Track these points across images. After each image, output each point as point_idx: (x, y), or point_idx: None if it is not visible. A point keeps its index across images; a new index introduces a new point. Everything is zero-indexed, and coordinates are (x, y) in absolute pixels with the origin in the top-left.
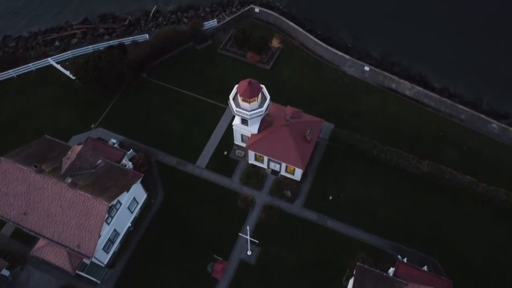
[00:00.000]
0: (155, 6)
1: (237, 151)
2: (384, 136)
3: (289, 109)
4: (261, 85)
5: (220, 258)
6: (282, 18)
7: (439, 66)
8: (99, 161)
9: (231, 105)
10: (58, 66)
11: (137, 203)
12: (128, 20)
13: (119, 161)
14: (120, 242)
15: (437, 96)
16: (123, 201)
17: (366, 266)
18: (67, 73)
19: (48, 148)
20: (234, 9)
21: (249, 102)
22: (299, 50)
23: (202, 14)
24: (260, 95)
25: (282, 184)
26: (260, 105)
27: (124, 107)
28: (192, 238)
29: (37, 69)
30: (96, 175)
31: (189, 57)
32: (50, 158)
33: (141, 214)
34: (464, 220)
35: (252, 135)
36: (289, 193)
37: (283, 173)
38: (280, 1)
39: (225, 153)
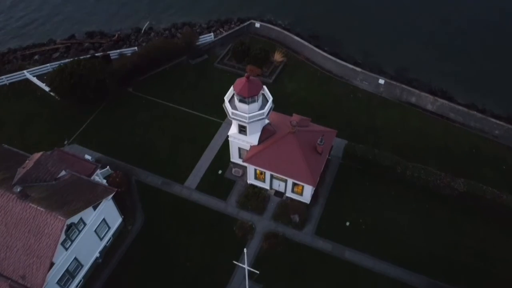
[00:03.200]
0: (148, 22)
1: (233, 170)
2: (407, 152)
3: (295, 117)
4: (263, 86)
5: None
6: (285, 32)
7: (461, 82)
8: (63, 172)
9: (226, 108)
10: (34, 79)
11: (109, 227)
12: (117, 35)
13: (90, 176)
14: (84, 277)
15: (465, 109)
16: (88, 221)
17: None
18: (43, 85)
19: (4, 159)
20: (233, 25)
21: (248, 103)
22: (304, 65)
23: (198, 30)
24: (260, 95)
25: (288, 208)
26: (261, 108)
27: (104, 122)
28: (177, 273)
29: (10, 83)
30: (56, 188)
31: (181, 71)
32: (2, 168)
33: (114, 242)
34: None
35: (252, 147)
36: (296, 218)
37: (289, 194)
38: (282, 19)
39: (220, 172)
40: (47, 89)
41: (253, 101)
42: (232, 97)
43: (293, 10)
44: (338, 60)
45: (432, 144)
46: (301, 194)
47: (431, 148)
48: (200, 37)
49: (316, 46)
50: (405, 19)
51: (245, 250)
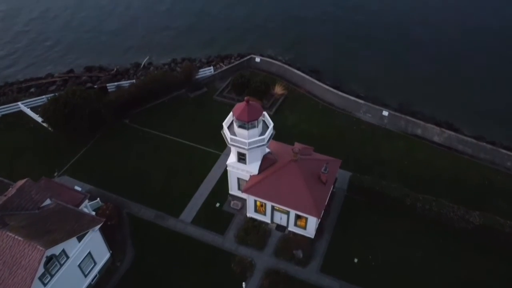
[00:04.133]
0: (147, 57)
1: (232, 203)
2: (416, 184)
3: (297, 145)
4: (263, 111)
5: None
6: (286, 66)
7: (466, 114)
8: (48, 201)
9: (225, 134)
10: (27, 110)
11: (95, 263)
12: (115, 69)
13: (77, 206)
14: None
15: (474, 141)
16: (72, 254)
17: None
18: (36, 117)
19: None
20: (233, 60)
21: (248, 128)
22: (305, 98)
23: (198, 65)
24: (261, 121)
25: (290, 243)
26: (261, 134)
27: (97, 153)
28: None
29: (3, 115)
30: (38, 217)
31: (180, 104)
32: None
33: (100, 280)
34: None
35: (252, 176)
36: (300, 254)
37: (291, 228)
38: (282, 55)
39: (217, 205)
40: (40, 120)
41: (253, 127)
42: (231, 124)
43: (293, 46)
44: (340, 93)
45: (441, 176)
46: (304, 227)
47: (441, 180)
48: (200, 70)
49: (317, 80)
50: (406, 54)
51: (243, 284)
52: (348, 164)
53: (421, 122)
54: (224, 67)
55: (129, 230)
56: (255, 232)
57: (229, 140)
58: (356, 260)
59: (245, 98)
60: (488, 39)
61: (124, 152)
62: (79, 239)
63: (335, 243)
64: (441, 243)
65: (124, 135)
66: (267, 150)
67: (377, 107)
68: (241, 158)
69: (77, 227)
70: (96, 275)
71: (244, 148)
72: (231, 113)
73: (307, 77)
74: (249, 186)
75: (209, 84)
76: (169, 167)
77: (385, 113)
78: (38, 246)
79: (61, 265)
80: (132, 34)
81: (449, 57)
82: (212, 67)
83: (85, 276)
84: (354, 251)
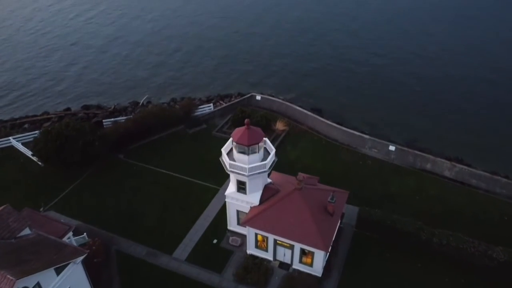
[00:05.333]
0: (146, 96)
1: (231, 239)
2: (430, 221)
3: (302, 175)
4: (265, 136)
5: None
6: (287, 103)
7: (476, 150)
8: (27, 231)
9: (223, 160)
10: (18, 145)
11: None
12: (113, 107)
13: (60, 238)
14: None
15: (488, 175)
16: None
17: None
18: (27, 151)
19: None
20: (233, 98)
21: (248, 154)
22: (308, 134)
23: (197, 103)
24: (262, 147)
25: (295, 282)
26: (263, 159)
27: (88, 188)
28: None
29: None
30: (15, 246)
31: (178, 140)
32: None
33: None
34: None
35: (252, 208)
36: None
37: (296, 265)
38: (283, 95)
39: (215, 241)
40: (30, 153)
41: (254, 152)
42: (231, 150)
43: (294, 86)
44: (344, 128)
45: (456, 212)
46: (311, 265)
47: (456, 216)
48: (199, 107)
49: (320, 116)
50: (409, 91)
51: None
52: (356, 200)
53: (431, 156)
54: (224, 105)
55: (117, 268)
56: (256, 270)
57: (228, 166)
58: None
59: (245, 120)
60: (497, 73)
61: (117, 187)
62: (58, 272)
63: (345, 283)
64: (464, 283)
65: (117, 170)
66: (269, 180)
67: (383, 141)
68: (241, 187)
69: (56, 258)
70: None
71: (244, 174)
72: (230, 139)
73: (309, 113)
74: (249, 218)
75: (209, 121)
76: (164, 203)
77: (392, 148)
78: (8, 276)
79: None
80: (132, 74)
81: (450, 93)
82: (211, 104)
83: None
84: None
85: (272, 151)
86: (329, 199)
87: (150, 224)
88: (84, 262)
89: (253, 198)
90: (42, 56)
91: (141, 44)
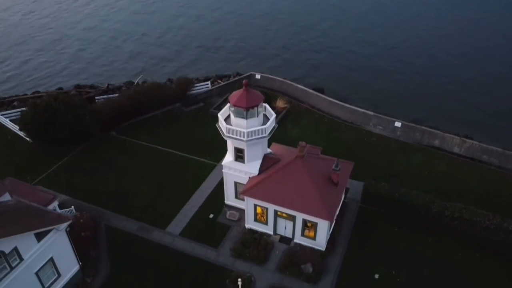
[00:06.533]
0: (141, 76)
1: (228, 213)
2: (440, 197)
3: (304, 143)
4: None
5: None
6: (288, 82)
7: (488, 129)
8: (7, 196)
9: (220, 126)
10: (6, 121)
11: (58, 275)
12: (107, 86)
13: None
14: None
15: (499, 150)
16: (27, 256)
17: None
18: (14, 127)
19: None
20: (231, 78)
21: (246, 117)
22: (310, 112)
23: (194, 81)
24: (261, 111)
25: (297, 257)
26: (262, 124)
27: (79, 165)
28: None
29: None
30: None
31: (174, 118)
32: None
33: None
34: None
35: (251, 178)
36: (309, 268)
37: (298, 239)
38: (283, 75)
39: (211, 216)
40: (17, 130)
41: (253, 116)
42: (228, 117)
43: (295, 67)
44: (347, 105)
45: (468, 188)
46: (313, 238)
47: (468, 193)
48: (196, 85)
49: (322, 94)
50: (413, 69)
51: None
52: (361, 177)
53: (439, 132)
54: (222, 83)
55: (107, 243)
56: (255, 245)
57: (225, 131)
58: (377, 276)
59: (244, 81)
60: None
61: (109, 164)
62: (39, 238)
63: (350, 259)
64: (478, 258)
65: (109, 147)
66: (269, 150)
67: (388, 118)
68: (239, 155)
69: (37, 223)
70: None
71: (243, 140)
72: (227, 104)
73: (311, 91)
74: (248, 188)
75: (206, 100)
76: (158, 179)
77: (398, 124)
78: None
79: (12, 268)
80: (128, 56)
81: (457, 71)
82: (209, 83)
83: None
84: (373, 267)
85: (272, 116)
86: (333, 167)
87: (143, 200)
88: (70, 234)
89: (252, 167)
90: (35, 37)
91: (139, 24)
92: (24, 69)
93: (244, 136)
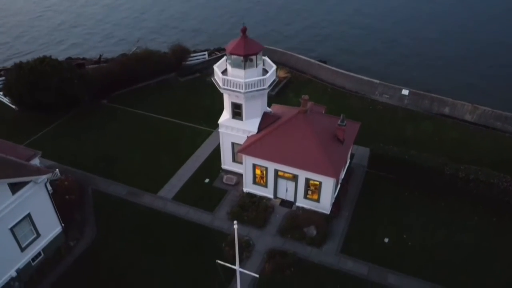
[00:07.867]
0: (136, 47)
1: (225, 177)
2: (453, 161)
3: (307, 97)
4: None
5: None
6: (289, 52)
7: (500, 95)
8: None
9: (216, 79)
10: None
11: (37, 235)
12: (99, 57)
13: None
14: None
15: None
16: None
17: None
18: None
19: None
20: None
21: (244, 67)
22: (312, 82)
23: (191, 51)
24: (260, 61)
25: (299, 220)
26: (262, 75)
27: (66, 132)
28: None
29: None
30: None
31: (168, 87)
32: None
33: (46, 262)
34: None
35: (250, 137)
36: (313, 231)
37: (300, 202)
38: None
39: (207, 180)
40: (1, 94)
41: (251, 66)
42: (225, 71)
43: (298, 43)
44: (352, 74)
45: (482, 155)
46: (317, 200)
47: (483, 160)
48: (193, 55)
49: (325, 64)
50: (415, 39)
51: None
52: (367, 144)
53: (449, 99)
54: (220, 54)
55: (93, 207)
56: (254, 209)
57: (221, 82)
58: (386, 240)
59: (242, 27)
60: None
61: (99, 130)
62: (14, 190)
63: (357, 222)
64: (495, 222)
65: (99, 114)
66: (269, 109)
67: (395, 86)
68: (237, 111)
69: (11, 173)
70: (40, 255)
71: (241, 92)
72: (224, 57)
73: (313, 61)
74: (247, 145)
75: (203, 71)
76: (151, 145)
77: (405, 92)
78: None
79: None
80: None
81: (469, 36)
82: (206, 53)
83: (22, 249)
84: (382, 230)
85: (272, 68)
86: (339, 122)
87: (134, 166)
88: (54, 197)
89: (250, 125)
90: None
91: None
92: (14, 43)
93: (242, 88)
